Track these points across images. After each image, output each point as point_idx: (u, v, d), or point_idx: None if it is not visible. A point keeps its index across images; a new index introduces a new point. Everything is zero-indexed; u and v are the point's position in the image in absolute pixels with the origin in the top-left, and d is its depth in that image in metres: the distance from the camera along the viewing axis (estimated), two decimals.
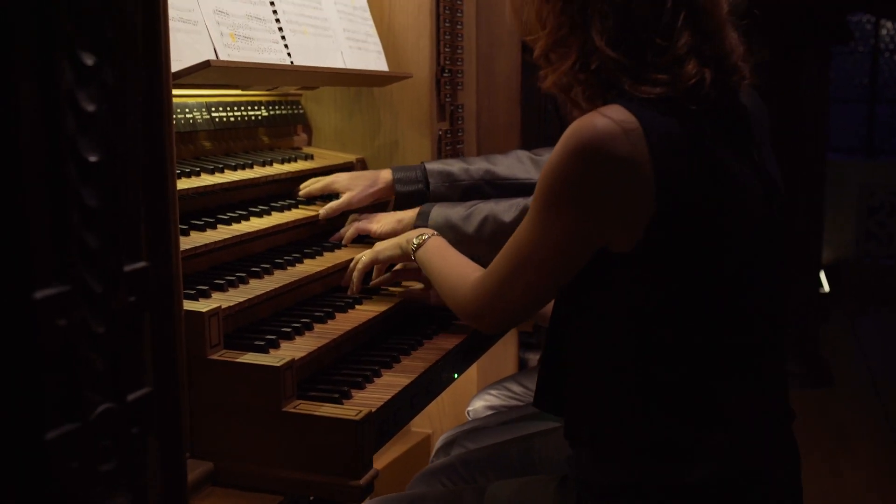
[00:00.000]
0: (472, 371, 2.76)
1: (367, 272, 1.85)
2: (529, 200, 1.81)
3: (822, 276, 6.81)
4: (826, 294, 6.73)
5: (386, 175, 2.08)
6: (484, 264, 1.54)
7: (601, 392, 1.38)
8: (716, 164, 1.29)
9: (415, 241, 1.73)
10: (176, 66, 1.54)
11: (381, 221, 1.97)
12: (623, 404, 1.35)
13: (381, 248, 1.81)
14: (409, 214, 1.94)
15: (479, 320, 1.53)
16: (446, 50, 2.42)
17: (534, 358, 3.07)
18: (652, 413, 1.32)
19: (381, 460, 2.56)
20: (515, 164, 2.08)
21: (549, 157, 2.05)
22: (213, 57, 1.67)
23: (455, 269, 1.60)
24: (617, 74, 1.30)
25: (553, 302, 1.49)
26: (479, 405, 2.25)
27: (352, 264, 1.84)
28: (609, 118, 1.25)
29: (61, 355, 0.86)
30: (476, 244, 1.82)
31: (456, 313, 1.61)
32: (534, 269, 1.37)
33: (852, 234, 7.81)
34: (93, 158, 0.88)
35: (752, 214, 1.34)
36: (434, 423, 2.79)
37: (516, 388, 2.25)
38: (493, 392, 2.26)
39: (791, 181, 5.65)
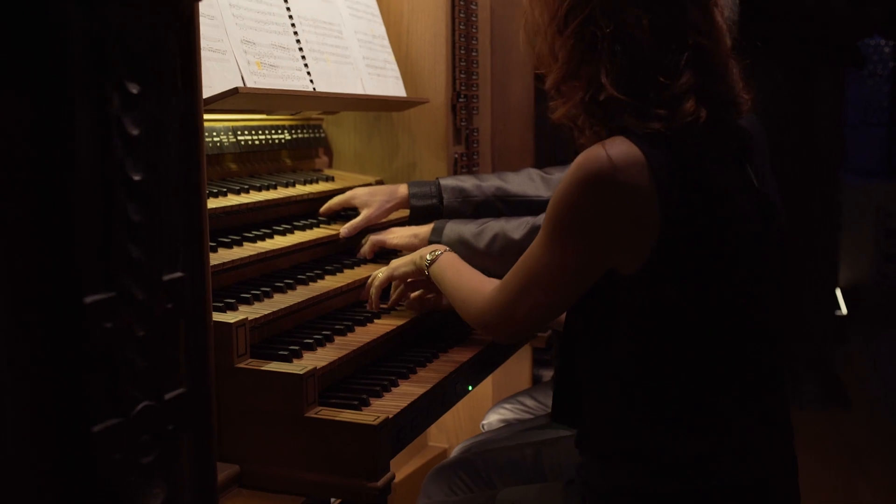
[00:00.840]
0: (488, 386, 2.83)
1: (385, 288, 1.93)
2: (538, 219, 1.90)
3: (840, 298, 6.83)
4: (844, 316, 6.74)
5: (402, 190, 2.18)
6: (494, 278, 1.62)
7: (610, 405, 1.45)
8: (715, 191, 1.37)
9: (428, 257, 1.82)
10: (206, 92, 1.64)
11: (398, 234, 2.06)
12: (631, 417, 1.42)
13: (397, 265, 1.89)
14: (425, 229, 2.03)
15: (490, 331, 1.64)
16: (462, 76, 2.52)
17: (547, 374, 3.14)
18: (658, 425, 1.39)
19: (399, 473, 2.63)
20: (526, 182, 2.17)
21: (559, 175, 2.16)
22: (240, 84, 1.77)
23: (468, 283, 1.69)
24: (620, 110, 1.37)
25: (566, 318, 1.57)
26: (494, 419, 2.32)
27: (369, 281, 1.93)
28: (614, 150, 1.33)
29: (107, 355, 0.95)
30: (487, 259, 1.90)
31: (469, 324, 1.70)
32: (542, 289, 1.46)
33: (870, 256, 7.81)
34: (137, 177, 0.97)
35: (750, 237, 1.41)
36: (451, 438, 2.86)
37: (530, 402, 2.32)
38: (507, 406, 2.34)
39: (807, 203, 5.72)
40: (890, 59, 10.50)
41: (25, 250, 0.87)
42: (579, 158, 1.36)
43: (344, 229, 2.11)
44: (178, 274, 1.06)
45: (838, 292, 6.75)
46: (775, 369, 1.50)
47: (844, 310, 6.76)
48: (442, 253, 1.82)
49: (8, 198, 0.85)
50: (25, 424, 0.89)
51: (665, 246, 1.33)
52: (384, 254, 2.12)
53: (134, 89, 0.96)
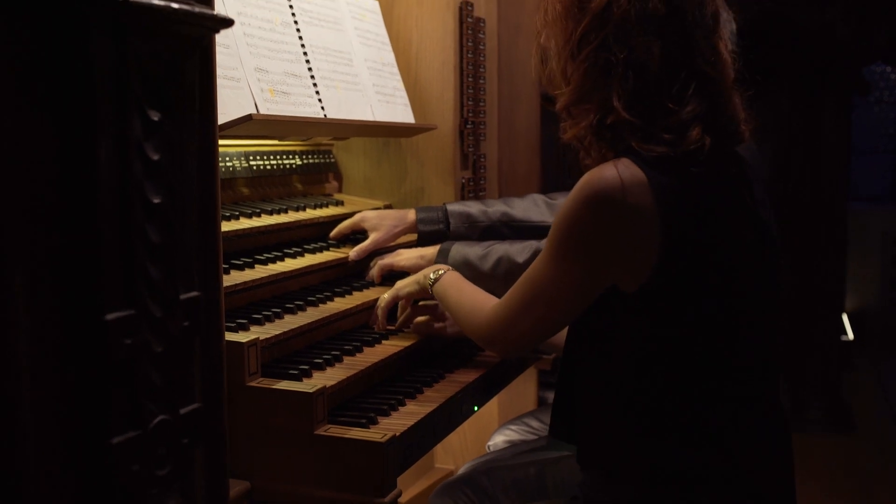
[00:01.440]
0: (493, 408, 2.86)
1: (393, 309, 1.98)
2: (541, 243, 1.95)
3: (847, 323, 6.84)
4: (850, 341, 6.74)
5: (411, 215, 2.24)
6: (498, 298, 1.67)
7: (610, 420, 1.48)
8: (715, 214, 1.41)
9: (431, 276, 1.87)
10: (221, 118, 1.68)
11: (405, 256, 2.11)
12: (631, 431, 1.45)
13: (402, 285, 1.94)
14: (431, 251, 2.08)
15: (492, 345, 1.68)
16: (469, 103, 2.57)
17: (552, 396, 3.16)
18: (657, 439, 1.43)
19: (406, 493, 2.65)
20: (531, 207, 2.22)
21: (563, 201, 2.21)
22: (254, 111, 1.82)
23: (470, 299, 1.73)
24: (628, 133, 1.42)
25: (566, 335, 1.61)
26: (500, 440, 2.34)
27: (377, 304, 1.97)
28: (618, 171, 1.37)
29: (126, 370, 0.99)
30: (491, 281, 1.94)
31: (471, 338, 1.75)
32: (544, 304, 1.50)
33: (877, 281, 7.82)
34: (156, 200, 1.02)
35: (747, 261, 1.45)
36: (457, 459, 2.88)
37: (535, 423, 2.35)
38: (512, 427, 2.36)
39: (813, 229, 5.75)
40: None
41: (50, 268, 0.92)
42: (584, 177, 1.40)
43: (353, 252, 2.16)
44: (194, 293, 1.10)
45: (845, 317, 6.76)
46: (771, 385, 1.53)
47: (851, 335, 6.77)
48: (445, 272, 1.86)
49: (34, 218, 0.90)
50: (48, 435, 0.92)
51: (665, 265, 1.37)
52: (393, 276, 2.16)
53: (155, 116, 1.01)
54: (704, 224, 1.39)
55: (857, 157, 9.94)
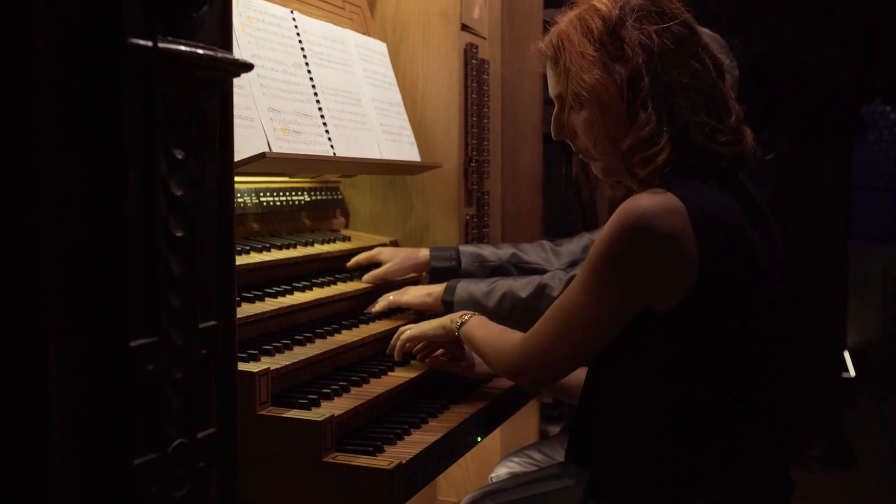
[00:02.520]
0: (496, 440, 2.90)
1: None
2: (544, 278, 2.02)
3: (848, 360, 6.85)
4: (852, 378, 6.76)
5: (425, 252, 2.35)
6: None
7: (631, 441, 1.53)
8: (745, 239, 1.49)
9: (458, 320, 1.92)
10: (236, 157, 1.74)
11: (412, 294, 2.17)
12: (651, 452, 1.49)
13: (427, 328, 1.98)
14: (438, 288, 2.14)
15: (522, 376, 1.70)
16: (473, 142, 2.64)
17: (554, 429, 3.20)
18: (677, 462, 1.47)
19: None
20: (539, 252, 2.36)
21: (567, 247, 2.32)
22: (267, 149, 1.89)
23: (499, 335, 1.79)
24: (702, 137, 1.51)
25: (587, 367, 1.66)
26: (503, 471, 2.38)
27: (396, 335, 2.02)
28: (654, 199, 1.45)
29: (148, 395, 1.04)
30: (496, 318, 1.99)
31: (499, 371, 1.80)
32: (581, 330, 1.54)
33: (878, 318, 7.85)
34: (179, 234, 1.08)
35: (770, 284, 1.53)
36: (460, 491, 2.91)
37: (537, 455, 2.39)
38: (515, 459, 2.40)
39: (814, 267, 5.79)
40: None
41: (79, 297, 0.97)
42: (623, 206, 1.48)
43: (366, 277, 2.29)
44: (212, 322, 1.16)
45: (846, 354, 6.78)
46: (785, 415, 1.59)
47: (853, 371, 6.79)
48: (471, 316, 1.91)
49: (66, 248, 0.96)
50: (74, 455, 0.97)
51: (701, 288, 1.44)
52: (399, 308, 2.22)
53: (179, 154, 1.07)
54: (736, 248, 1.47)
55: (858, 195, 10.02)
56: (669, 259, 1.44)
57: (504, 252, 2.34)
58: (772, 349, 1.53)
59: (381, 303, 2.21)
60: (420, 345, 2.01)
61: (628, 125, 1.54)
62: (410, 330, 2.00)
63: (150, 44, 0.99)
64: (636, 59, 1.51)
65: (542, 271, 2.26)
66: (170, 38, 1.02)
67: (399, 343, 2.00)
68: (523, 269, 2.31)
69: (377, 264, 2.32)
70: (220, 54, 1.10)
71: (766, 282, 1.51)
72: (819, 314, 5.74)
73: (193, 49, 1.05)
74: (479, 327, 1.87)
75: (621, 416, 1.54)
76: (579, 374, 1.72)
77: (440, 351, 2.02)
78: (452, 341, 1.96)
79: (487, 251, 2.34)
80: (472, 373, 2.05)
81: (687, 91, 1.51)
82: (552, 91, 1.69)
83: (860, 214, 10.16)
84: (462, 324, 1.91)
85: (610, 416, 1.57)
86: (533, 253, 2.34)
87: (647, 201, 1.45)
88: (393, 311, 2.22)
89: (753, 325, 1.49)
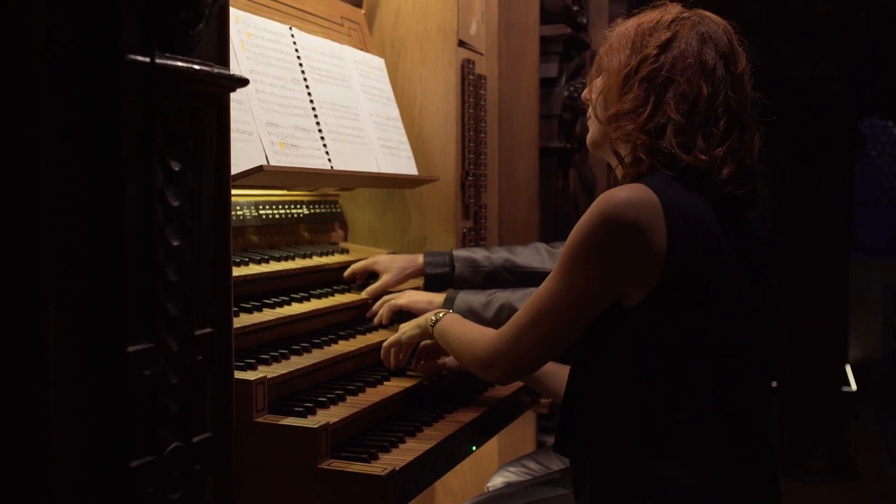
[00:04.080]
0: (493, 451, 2.92)
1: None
2: None
3: (850, 374, 6.87)
4: (853, 392, 6.76)
5: (419, 258, 2.38)
6: None
7: (608, 432, 1.56)
8: (715, 239, 1.52)
9: (432, 318, 1.95)
10: (234, 169, 1.78)
11: (414, 299, 2.21)
12: (623, 446, 1.53)
13: (404, 330, 2.03)
14: (439, 297, 2.18)
15: (491, 368, 1.72)
16: (470, 156, 2.68)
17: (550, 440, 3.22)
18: (652, 455, 1.50)
19: None
20: (533, 255, 2.35)
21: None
22: (265, 163, 1.93)
23: (472, 331, 1.82)
24: (673, 140, 1.54)
25: (574, 354, 1.69)
26: (499, 481, 2.40)
27: (383, 346, 2.06)
28: (630, 192, 1.50)
29: (145, 399, 1.08)
30: (493, 328, 2.03)
31: (470, 366, 1.81)
32: (551, 319, 1.58)
33: (879, 333, 7.86)
34: (175, 243, 1.11)
35: (739, 294, 1.55)
36: (457, 501, 2.93)
37: (533, 465, 2.41)
38: (511, 469, 2.43)
39: (814, 281, 5.81)
40: None
41: (79, 303, 1.01)
42: (599, 198, 1.53)
43: (365, 292, 2.31)
44: (208, 329, 1.19)
45: (848, 368, 6.79)
46: (763, 411, 1.62)
47: (854, 385, 6.79)
48: (445, 314, 1.95)
49: (65, 256, 0.99)
50: (73, 456, 1.01)
51: (666, 282, 1.48)
52: (400, 317, 2.25)
53: (176, 166, 1.11)
54: (707, 253, 1.50)
55: (860, 209, 10.05)
56: (641, 250, 1.48)
57: (497, 257, 2.35)
58: (741, 352, 1.55)
59: (385, 309, 2.23)
60: (403, 350, 2.04)
61: (620, 94, 1.62)
62: (392, 338, 2.04)
63: (147, 60, 1.03)
64: (654, 49, 1.60)
65: (536, 274, 2.29)
66: (167, 54, 1.06)
67: (383, 352, 2.04)
68: (516, 273, 2.33)
69: (374, 274, 2.35)
70: (216, 70, 1.14)
71: (733, 283, 1.53)
72: (820, 328, 5.77)
73: (190, 65, 1.09)
74: (452, 324, 1.90)
75: (598, 408, 1.58)
76: (557, 371, 1.75)
77: (429, 361, 2.06)
78: (433, 345, 1.99)
79: (480, 255, 2.36)
80: (457, 365, 2.07)
81: (680, 97, 1.56)
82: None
83: (862, 229, 10.19)
84: (437, 321, 1.94)
85: (588, 408, 1.60)
86: (526, 256, 2.36)
87: (623, 193, 1.50)
88: (392, 322, 2.25)
89: (718, 324, 1.52)
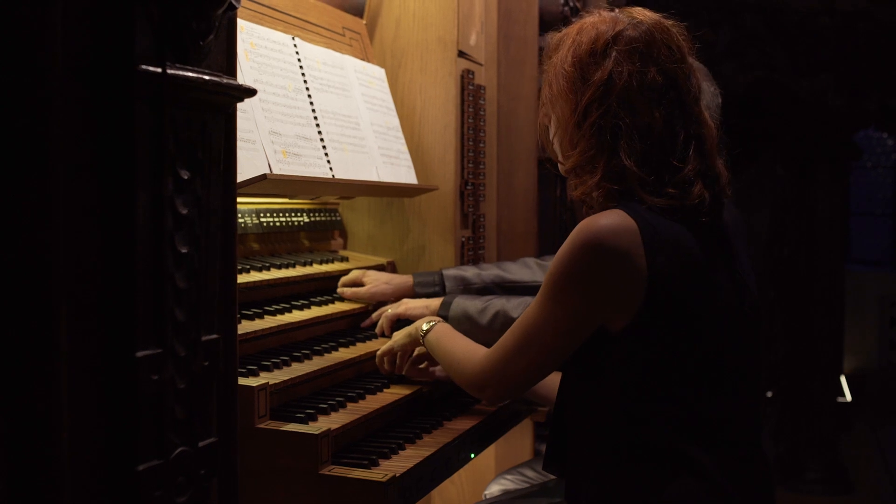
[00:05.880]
0: (490, 459, 2.94)
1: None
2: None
3: (845, 385, 6.89)
4: (848, 403, 6.79)
5: (408, 279, 2.38)
6: None
7: (595, 453, 1.58)
8: (695, 260, 1.54)
9: (424, 327, 1.97)
10: (238, 178, 1.80)
11: (411, 305, 2.22)
12: (611, 468, 1.54)
13: (396, 338, 2.05)
14: (436, 302, 2.20)
15: (483, 391, 1.76)
16: (469, 165, 2.71)
17: None
18: (637, 472, 1.52)
19: None
20: (523, 270, 2.38)
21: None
22: (268, 171, 1.95)
23: (462, 348, 1.84)
24: (637, 187, 1.55)
25: (562, 375, 1.71)
26: (496, 489, 2.42)
27: (377, 355, 2.07)
28: (609, 219, 1.51)
29: (153, 403, 1.09)
30: (489, 334, 2.04)
31: (461, 385, 1.83)
32: (537, 346, 1.61)
33: (875, 344, 7.89)
34: (184, 250, 1.13)
35: (724, 309, 1.57)
36: None
37: (530, 473, 2.43)
38: (508, 477, 2.45)
39: (809, 292, 5.83)
40: (893, 151, 10.72)
41: (90, 309, 1.03)
42: (579, 225, 1.54)
43: (349, 293, 2.32)
44: (214, 336, 1.21)
45: (843, 379, 6.82)
46: (755, 431, 1.63)
47: (849, 396, 6.82)
48: (436, 323, 1.96)
49: (78, 263, 1.01)
50: (81, 460, 1.02)
51: (648, 307, 1.49)
52: (401, 324, 2.26)
53: (185, 175, 1.13)
54: (687, 271, 1.52)
55: (856, 220, 10.09)
56: (622, 277, 1.50)
57: (488, 273, 2.37)
58: (730, 368, 1.57)
59: (384, 320, 2.24)
60: (398, 359, 2.05)
61: (572, 145, 1.63)
62: (384, 346, 2.06)
63: (159, 70, 1.05)
64: (597, 90, 1.57)
65: (527, 288, 2.31)
66: (178, 65, 1.08)
67: (377, 360, 2.05)
68: (507, 288, 2.36)
69: (362, 285, 2.36)
70: (224, 80, 1.16)
71: (719, 303, 1.55)
72: (815, 339, 5.79)
73: (200, 75, 1.11)
74: (443, 337, 1.91)
75: (586, 430, 1.60)
76: (549, 378, 1.77)
77: (421, 366, 2.07)
78: (426, 353, 2.00)
79: (470, 273, 2.38)
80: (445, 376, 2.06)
81: (632, 138, 1.55)
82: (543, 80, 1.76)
83: (857, 240, 10.23)
84: (427, 331, 1.96)
85: (577, 429, 1.62)
86: (517, 272, 2.38)
87: (603, 220, 1.51)
88: (393, 331, 2.26)
89: (703, 342, 1.53)
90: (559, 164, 1.76)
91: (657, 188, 1.54)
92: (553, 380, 1.95)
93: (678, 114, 1.58)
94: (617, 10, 1.66)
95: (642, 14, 1.64)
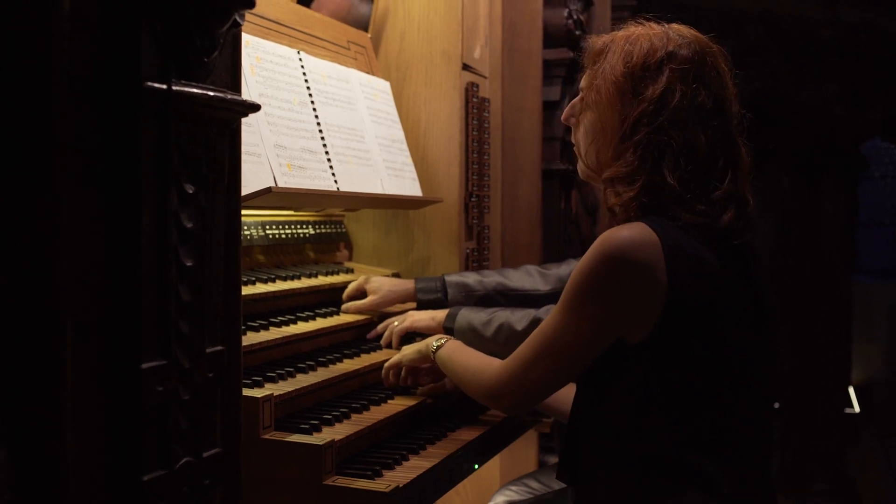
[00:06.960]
0: (495, 470, 2.94)
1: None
2: (539, 312, 2.09)
3: (853, 396, 6.87)
4: (856, 414, 6.76)
5: (410, 284, 2.40)
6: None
7: (606, 464, 1.59)
8: (715, 274, 1.55)
9: (434, 344, 1.98)
10: (243, 191, 1.82)
11: (417, 318, 2.24)
12: (623, 475, 1.55)
13: (405, 353, 2.06)
14: (442, 314, 2.22)
15: (499, 400, 1.76)
16: (474, 177, 2.72)
17: (552, 459, 3.24)
18: (647, 485, 1.52)
19: None
20: (525, 278, 2.39)
21: (556, 271, 2.36)
22: (273, 184, 1.97)
23: (477, 360, 1.84)
24: (673, 203, 1.56)
25: (577, 386, 1.72)
26: (500, 500, 2.43)
27: (384, 367, 2.08)
28: (631, 231, 1.53)
29: (157, 414, 1.11)
30: (493, 346, 2.06)
31: (476, 396, 1.84)
32: (556, 355, 1.61)
33: (883, 355, 7.86)
34: (188, 263, 1.15)
35: (742, 326, 1.58)
36: None
37: (535, 484, 2.43)
38: (512, 488, 2.45)
39: (816, 302, 5.82)
40: None
41: (96, 321, 1.04)
42: (601, 237, 1.55)
43: (350, 307, 2.33)
44: (219, 347, 1.23)
45: (851, 390, 6.80)
46: (764, 442, 1.64)
47: (857, 408, 6.79)
48: (447, 341, 1.97)
49: (84, 276, 1.03)
50: (87, 470, 1.04)
51: (667, 321, 1.50)
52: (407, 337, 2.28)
53: (189, 189, 1.14)
54: (708, 288, 1.53)
55: (863, 231, 10.06)
56: (643, 289, 1.51)
57: (489, 281, 2.38)
58: (745, 383, 1.58)
59: (391, 335, 2.25)
60: (403, 372, 2.06)
61: (615, 156, 1.62)
62: (392, 359, 2.07)
63: (164, 87, 1.07)
64: (649, 106, 1.58)
65: (528, 296, 2.33)
66: (183, 81, 1.10)
67: (384, 372, 2.06)
68: (509, 295, 2.36)
69: (364, 294, 2.37)
70: (229, 96, 1.18)
71: (734, 316, 1.56)
72: (823, 350, 5.78)
73: (205, 91, 1.13)
74: (455, 352, 1.92)
75: (598, 441, 1.60)
76: (565, 393, 1.78)
77: (429, 386, 2.08)
78: (433, 367, 2.01)
79: (472, 280, 2.39)
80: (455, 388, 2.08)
81: (678, 157, 1.56)
82: (582, 81, 1.74)
83: (865, 250, 10.19)
84: (438, 348, 1.97)
85: (592, 441, 1.62)
86: (518, 279, 2.39)
87: (625, 233, 1.53)
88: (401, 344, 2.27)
89: (720, 356, 1.54)
90: (579, 162, 1.76)
91: (691, 206, 1.55)
92: (565, 392, 1.96)
93: (721, 138, 1.59)
94: (664, 25, 1.67)
95: (690, 33, 1.65)
